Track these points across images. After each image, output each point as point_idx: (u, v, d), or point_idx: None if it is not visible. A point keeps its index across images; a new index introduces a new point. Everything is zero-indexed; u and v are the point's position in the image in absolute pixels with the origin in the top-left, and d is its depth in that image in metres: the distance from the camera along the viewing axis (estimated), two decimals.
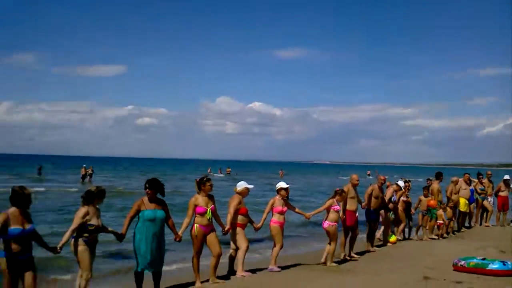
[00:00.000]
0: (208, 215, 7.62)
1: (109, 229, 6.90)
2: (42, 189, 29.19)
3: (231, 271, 8.57)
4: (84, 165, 44.51)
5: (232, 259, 8.66)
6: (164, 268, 7.47)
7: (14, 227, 5.48)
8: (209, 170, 59.21)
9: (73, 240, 6.37)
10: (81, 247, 6.34)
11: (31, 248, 5.72)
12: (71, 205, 18.90)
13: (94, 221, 6.42)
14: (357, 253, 10.72)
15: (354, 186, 10.46)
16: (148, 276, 7.22)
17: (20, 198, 5.61)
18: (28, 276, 5.64)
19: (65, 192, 29.51)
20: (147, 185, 7.07)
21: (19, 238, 5.52)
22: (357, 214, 10.53)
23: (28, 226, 5.61)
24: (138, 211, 6.99)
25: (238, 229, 8.37)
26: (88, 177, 42.09)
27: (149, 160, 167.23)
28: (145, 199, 7.07)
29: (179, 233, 7.42)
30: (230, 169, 69.75)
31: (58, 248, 6.11)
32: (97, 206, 6.64)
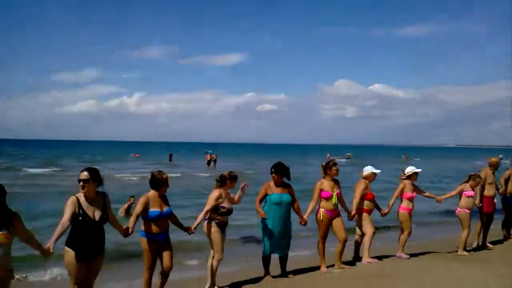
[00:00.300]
0: (334, 200, 7.56)
1: (237, 197, 7.07)
2: (178, 174, 31.24)
3: (357, 257, 8.46)
4: (210, 151, 46.77)
5: (357, 245, 8.54)
6: (290, 252, 7.54)
7: (153, 209, 5.85)
8: (328, 155, 58.91)
9: (205, 222, 6.65)
10: (214, 228, 6.62)
11: (168, 229, 6.06)
12: (202, 189, 19.88)
13: (225, 204, 6.67)
14: (491, 242, 10.03)
15: (493, 170, 9.80)
16: (275, 259, 7.37)
17: (158, 182, 5.95)
18: (166, 255, 5.99)
19: (196, 177, 31.23)
20: (273, 170, 7.19)
21: (158, 219, 5.87)
22: (495, 200, 9.85)
23: (165, 209, 5.95)
24: (265, 195, 7.14)
25: (364, 215, 8.22)
26: (213, 162, 44.13)
27: (269, 146, 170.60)
28: (272, 183, 7.20)
29: (305, 216, 7.43)
30: (350, 154, 68.97)
31: (193, 228, 6.36)
32: (228, 191, 6.88)
